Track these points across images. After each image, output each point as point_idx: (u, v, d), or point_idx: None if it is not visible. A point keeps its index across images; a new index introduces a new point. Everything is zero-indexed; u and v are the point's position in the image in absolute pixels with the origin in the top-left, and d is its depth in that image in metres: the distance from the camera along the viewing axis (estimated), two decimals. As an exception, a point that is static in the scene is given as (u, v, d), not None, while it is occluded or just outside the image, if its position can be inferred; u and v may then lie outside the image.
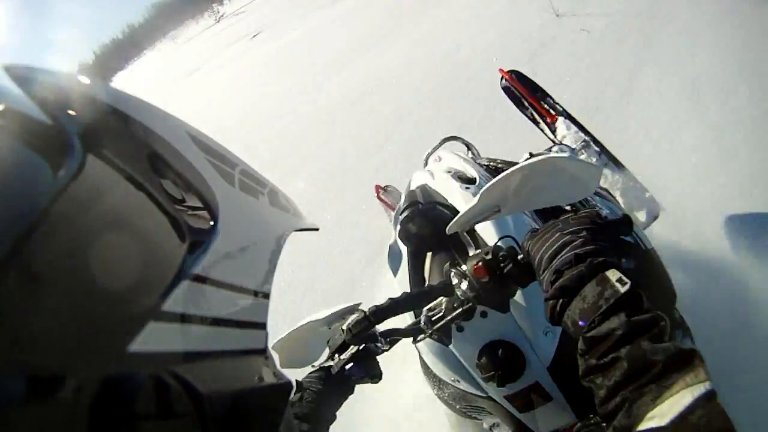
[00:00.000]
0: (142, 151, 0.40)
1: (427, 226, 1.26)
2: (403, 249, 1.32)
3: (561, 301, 0.56)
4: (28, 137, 0.33)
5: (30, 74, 0.33)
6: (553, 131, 2.24)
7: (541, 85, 2.40)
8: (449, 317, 0.92)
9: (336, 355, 1.01)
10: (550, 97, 2.34)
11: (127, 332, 0.30)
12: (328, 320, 1.11)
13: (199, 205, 0.44)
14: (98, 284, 0.30)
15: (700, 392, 0.45)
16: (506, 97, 2.47)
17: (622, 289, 0.51)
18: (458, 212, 1.07)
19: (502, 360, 1.00)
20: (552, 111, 2.29)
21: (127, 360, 0.30)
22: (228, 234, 0.44)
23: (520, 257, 0.78)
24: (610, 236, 0.61)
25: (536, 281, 0.71)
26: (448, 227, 0.96)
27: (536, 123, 2.39)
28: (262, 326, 0.51)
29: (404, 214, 1.33)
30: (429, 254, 1.28)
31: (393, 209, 2.49)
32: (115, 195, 0.36)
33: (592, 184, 0.86)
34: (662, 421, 0.44)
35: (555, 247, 0.59)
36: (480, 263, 0.81)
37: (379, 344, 0.98)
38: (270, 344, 0.54)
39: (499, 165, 1.66)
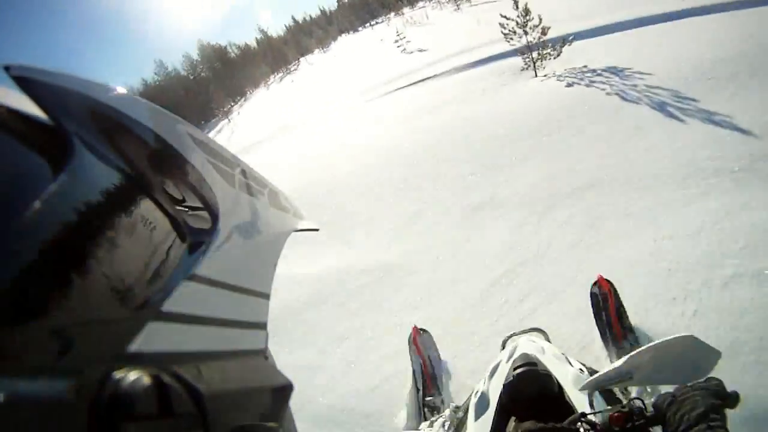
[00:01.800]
0: (142, 152, 0.39)
1: (535, 388, 1.28)
2: (493, 400, 1.33)
3: None
4: (29, 137, 0.33)
5: (30, 74, 0.32)
6: (616, 351, 2.30)
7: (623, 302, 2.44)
8: None
9: None
10: (629, 323, 2.39)
11: (127, 332, 0.31)
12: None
13: (199, 205, 0.44)
14: (98, 284, 0.30)
15: None
16: (590, 300, 2.50)
17: None
18: (563, 389, 1.23)
19: None
20: (624, 336, 2.34)
21: (127, 360, 0.30)
22: (228, 234, 0.44)
23: (649, 415, 0.87)
24: (722, 398, 0.79)
25: None
26: (583, 384, 1.10)
27: (604, 338, 2.41)
28: (262, 326, 0.51)
29: (521, 369, 1.35)
30: (513, 419, 1.27)
31: (420, 355, 2.61)
32: (115, 195, 0.36)
33: (709, 368, 0.96)
34: None
35: (693, 414, 0.77)
36: (618, 413, 0.90)
37: None
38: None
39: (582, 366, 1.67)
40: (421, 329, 2.80)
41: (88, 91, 0.35)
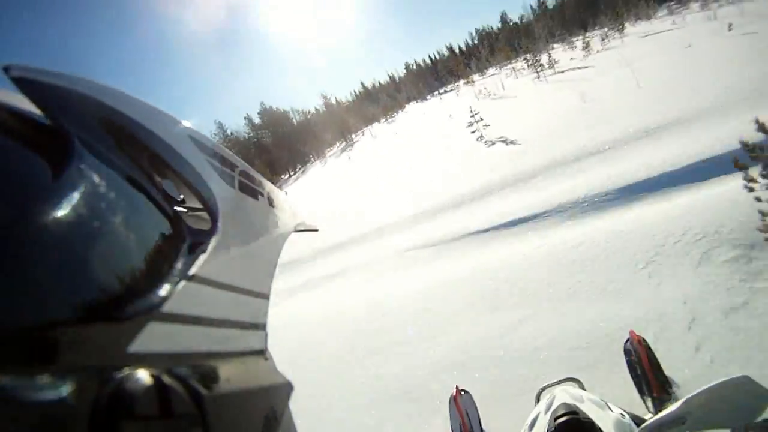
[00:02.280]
0: (142, 152, 0.40)
1: None
2: None
3: None
4: (28, 137, 0.33)
5: (30, 74, 0.32)
6: (657, 406, 2.30)
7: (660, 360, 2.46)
8: None
9: None
10: (665, 375, 2.41)
11: (127, 332, 0.30)
12: None
13: (199, 205, 0.45)
14: (97, 284, 0.30)
15: None
16: (624, 356, 2.58)
17: None
18: None
19: None
20: (662, 387, 2.36)
21: (127, 360, 0.30)
22: (228, 235, 0.44)
23: None
24: None
25: None
26: (639, 429, 1.08)
27: (641, 391, 2.44)
28: (262, 327, 0.51)
29: (563, 419, 1.34)
30: None
31: (461, 415, 2.66)
32: (115, 195, 0.36)
33: (763, 410, 0.94)
34: None
35: None
36: None
37: None
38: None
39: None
40: (462, 390, 2.84)
41: (87, 92, 0.36)
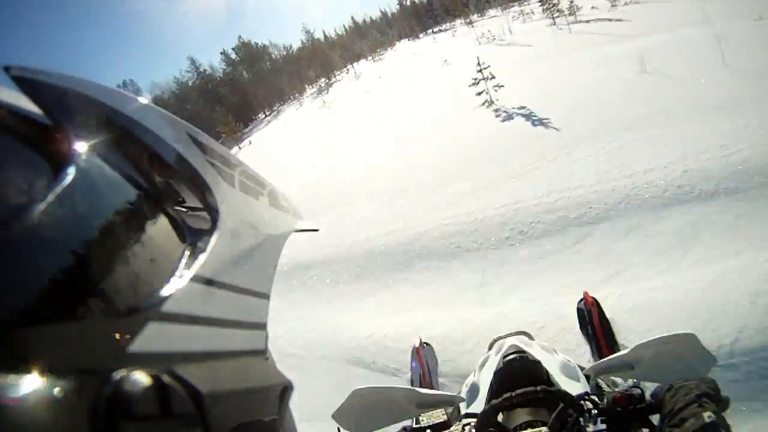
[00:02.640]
0: (142, 152, 0.40)
1: (525, 375, 1.31)
2: (483, 389, 1.36)
3: (674, 429, 0.79)
4: (29, 137, 0.33)
5: (30, 74, 0.32)
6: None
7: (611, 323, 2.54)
8: None
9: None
10: (614, 337, 2.49)
11: (127, 332, 0.31)
12: (423, 400, 1.16)
13: (199, 205, 0.45)
14: (97, 284, 0.31)
15: None
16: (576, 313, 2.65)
17: (707, 420, 0.75)
18: (551, 377, 1.29)
19: None
20: (611, 350, 2.41)
21: (127, 360, 0.30)
22: (228, 235, 0.44)
23: (650, 402, 0.93)
24: (716, 397, 0.84)
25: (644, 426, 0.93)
26: (586, 369, 1.18)
27: (592, 351, 2.52)
28: (263, 327, 0.51)
29: (512, 357, 1.39)
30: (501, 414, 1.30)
31: (422, 366, 2.70)
32: (115, 195, 0.37)
33: (705, 370, 1.02)
34: None
35: (686, 401, 0.83)
36: (622, 395, 0.96)
37: None
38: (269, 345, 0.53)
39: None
40: (425, 342, 2.90)
41: (88, 92, 0.36)
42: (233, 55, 55.86)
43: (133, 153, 0.39)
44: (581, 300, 2.64)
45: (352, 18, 74.33)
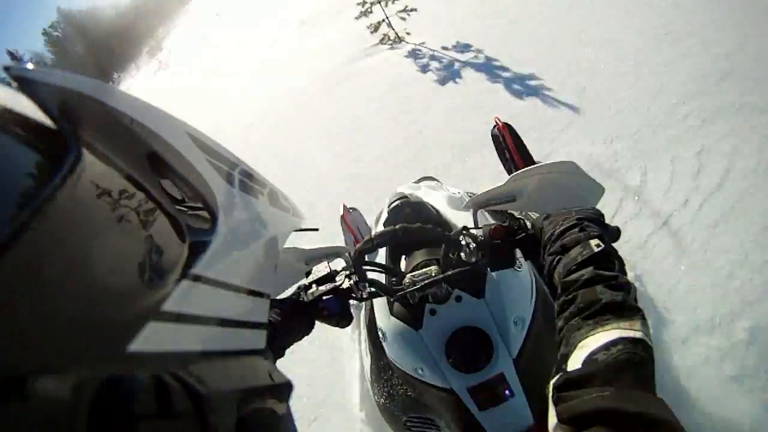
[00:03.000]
0: (141, 151, 0.40)
1: (412, 217, 1.34)
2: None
3: (557, 257, 0.70)
4: (28, 137, 0.33)
5: (30, 74, 0.32)
6: None
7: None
8: (434, 279, 1.02)
9: (314, 286, 1.08)
10: (530, 156, 2.46)
11: (127, 332, 0.31)
12: (310, 255, 1.12)
13: (199, 205, 0.45)
14: (98, 284, 0.31)
15: (629, 335, 0.52)
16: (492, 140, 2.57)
17: (596, 249, 0.65)
18: (441, 214, 1.27)
19: (471, 345, 1.04)
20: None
21: (127, 360, 0.30)
22: (228, 234, 0.44)
23: (530, 232, 0.89)
24: (601, 224, 0.77)
25: (522, 262, 0.94)
26: (466, 203, 1.12)
27: (508, 171, 2.49)
28: (262, 326, 0.52)
29: (395, 204, 1.45)
30: (403, 257, 1.33)
31: (353, 233, 2.65)
32: (115, 195, 0.36)
33: (594, 200, 0.99)
34: (588, 350, 0.52)
35: (565, 225, 0.74)
36: (498, 226, 0.92)
37: (360, 289, 1.05)
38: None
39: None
40: (350, 208, 2.82)
41: (88, 91, 0.36)
42: (56, 33, 44.37)
43: (133, 152, 0.39)
44: (494, 126, 2.56)
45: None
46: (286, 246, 1.09)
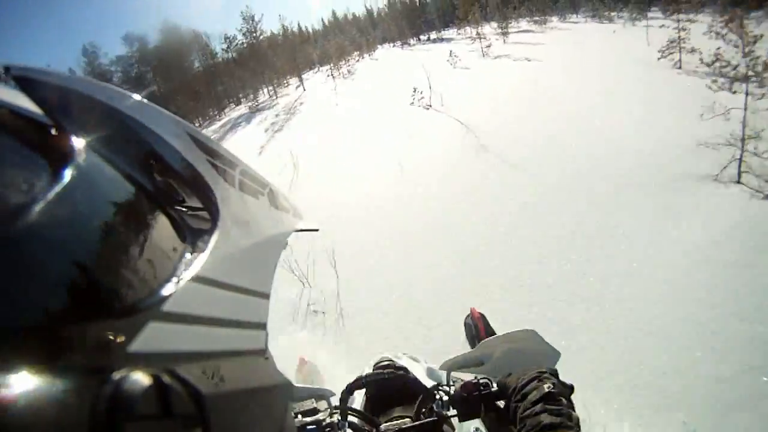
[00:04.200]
0: (141, 151, 0.40)
1: (394, 381, 1.50)
2: (359, 399, 1.53)
3: (519, 404, 0.85)
4: (29, 137, 0.33)
5: (30, 74, 0.33)
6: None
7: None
8: (407, 427, 1.16)
9: (300, 416, 1.22)
10: None
11: (127, 332, 0.30)
12: (298, 393, 1.22)
13: (200, 205, 0.45)
14: (98, 283, 0.31)
15: None
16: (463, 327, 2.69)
17: (547, 390, 0.81)
18: (419, 381, 1.45)
19: None
20: None
21: (127, 360, 0.30)
22: (228, 234, 0.44)
23: (493, 389, 1.04)
24: (557, 377, 0.91)
25: (487, 413, 1.03)
26: (441, 364, 1.29)
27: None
28: (262, 326, 0.51)
29: (380, 363, 1.63)
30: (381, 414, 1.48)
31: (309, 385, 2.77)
32: (115, 194, 0.36)
33: (552, 364, 1.11)
34: None
35: (527, 378, 0.90)
36: (468, 382, 1.06)
37: (340, 428, 1.20)
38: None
39: None
40: (306, 359, 2.84)
41: (87, 91, 0.36)
42: (147, 45, 36.94)
43: (133, 152, 0.39)
44: (468, 315, 2.69)
45: (333, 12, 59.69)
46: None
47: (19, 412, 0.23)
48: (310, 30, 54.45)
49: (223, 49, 38.51)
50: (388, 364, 1.61)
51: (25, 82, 0.32)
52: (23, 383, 0.24)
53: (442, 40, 38.80)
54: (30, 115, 0.34)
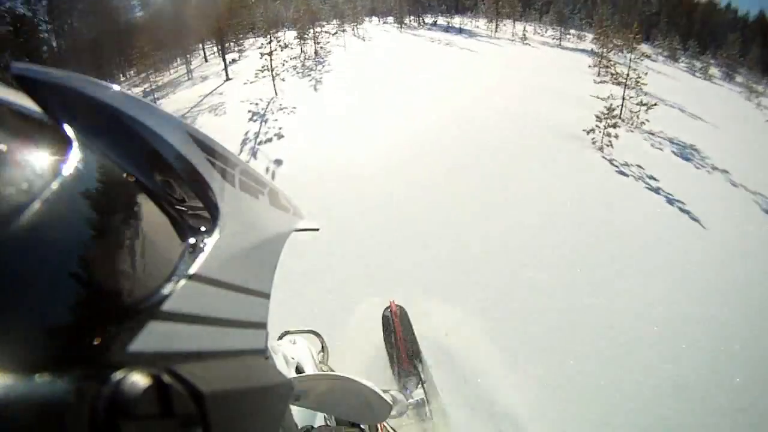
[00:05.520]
0: (141, 151, 0.40)
1: None
2: None
3: None
4: (28, 135, 0.33)
5: (30, 73, 0.32)
6: (400, 374, 2.53)
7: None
8: None
9: None
10: (417, 347, 2.60)
11: (127, 332, 0.30)
12: None
13: (199, 204, 0.45)
14: (97, 283, 0.31)
15: None
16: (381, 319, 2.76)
17: None
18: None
19: None
20: (410, 361, 2.56)
21: (127, 360, 0.29)
22: (228, 234, 0.44)
23: None
24: None
25: None
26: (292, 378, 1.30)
27: (391, 361, 2.64)
28: (263, 326, 0.51)
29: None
30: None
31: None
32: (115, 194, 0.36)
33: (382, 417, 1.07)
34: None
35: None
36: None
37: None
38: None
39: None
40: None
41: (88, 90, 0.36)
42: None
43: (132, 151, 0.39)
44: (387, 308, 2.70)
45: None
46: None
47: (18, 413, 0.23)
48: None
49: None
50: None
51: (24, 80, 0.32)
52: (22, 383, 0.24)
53: (460, 30, 29.54)
54: (30, 113, 0.34)
